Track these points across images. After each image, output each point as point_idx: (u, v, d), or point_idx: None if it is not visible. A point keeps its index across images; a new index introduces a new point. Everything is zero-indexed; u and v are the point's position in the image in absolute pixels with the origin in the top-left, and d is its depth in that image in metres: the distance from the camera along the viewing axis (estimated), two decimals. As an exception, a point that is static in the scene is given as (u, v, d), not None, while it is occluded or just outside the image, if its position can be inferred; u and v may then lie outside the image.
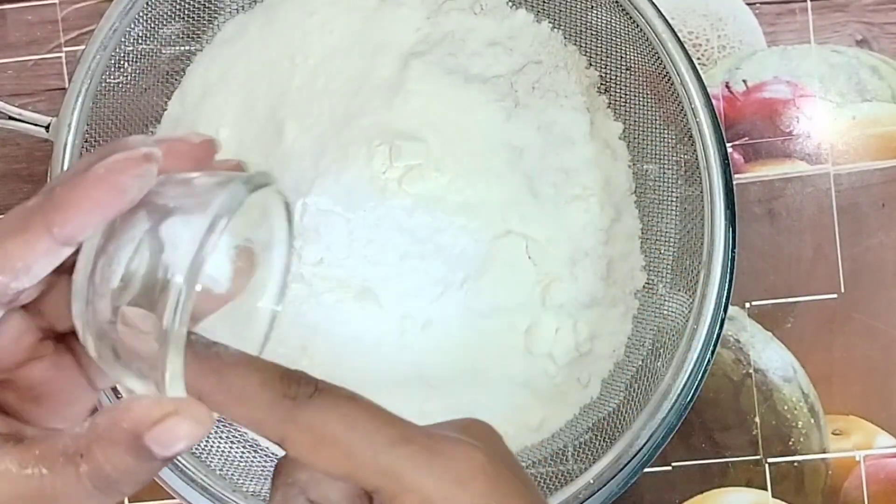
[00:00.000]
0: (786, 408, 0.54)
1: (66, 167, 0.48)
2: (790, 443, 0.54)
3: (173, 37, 0.53)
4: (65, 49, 0.57)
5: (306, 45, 0.52)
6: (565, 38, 0.52)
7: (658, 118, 0.51)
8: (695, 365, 0.46)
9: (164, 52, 0.53)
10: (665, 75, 0.49)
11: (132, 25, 0.50)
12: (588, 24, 0.52)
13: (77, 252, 0.26)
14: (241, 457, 0.51)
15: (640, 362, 0.50)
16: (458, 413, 0.50)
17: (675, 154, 0.50)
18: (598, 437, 0.50)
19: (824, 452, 0.55)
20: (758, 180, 0.55)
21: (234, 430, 0.52)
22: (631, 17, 0.49)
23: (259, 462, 0.51)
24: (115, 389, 0.43)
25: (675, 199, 0.51)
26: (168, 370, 0.24)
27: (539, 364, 0.50)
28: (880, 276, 0.55)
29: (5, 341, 0.27)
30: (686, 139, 0.49)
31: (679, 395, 0.46)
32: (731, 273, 0.47)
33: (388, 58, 0.52)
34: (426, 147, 0.49)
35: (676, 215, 0.50)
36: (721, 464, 0.55)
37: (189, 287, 0.24)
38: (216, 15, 0.53)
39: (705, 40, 0.56)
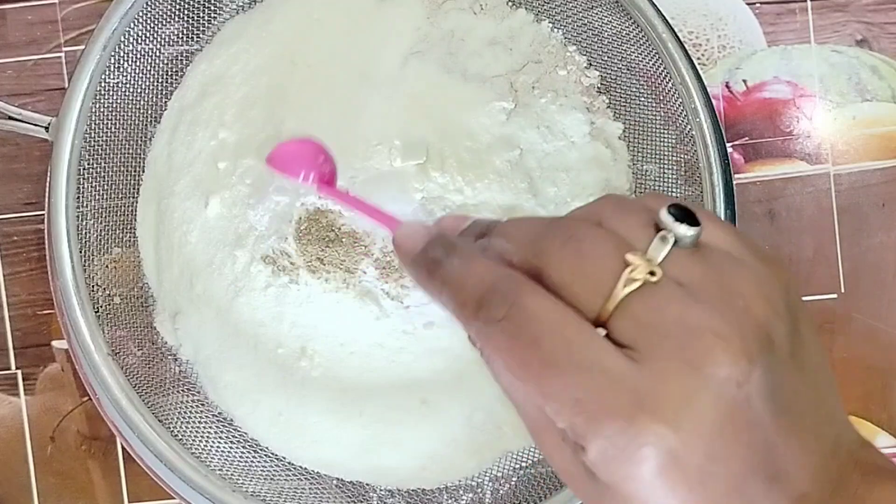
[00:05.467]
0: (786, 408, 0.54)
1: (66, 167, 0.48)
2: (790, 443, 0.54)
3: (173, 37, 0.53)
4: (65, 49, 0.57)
5: (305, 44, 0.52)
6: (565, 37, 0.52)
7: (658, 118, 0.51)
8: (695, 365, 0.46)
9: (163, 52, 0.53)
10: (665, 75, 0.49)
11: (132, 25, 0.50)
12: (588, 24, 0.52)
13: None
14: (241, 457, 0.51)
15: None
16: (458, 413, 0.50)
17: (675, 154, 0.50)
18: (598, 437, 0.50)
19: (824, 452, 0.55)
20: (758, 180, 0.55)
21: (234, 430, 0.52)
22: (631, 17, 0.49)
23: (259, 462, 0.51)
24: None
25: (675, 199, 0.51)
26: None
27: (539, 364, 0.50)
28: (880, 276, 0.55)
29: None
30: (686, 139, 0.49)
31: (679, 395, 0.46)
32: (731, 273, 0.47)
33: (387, 57, 0.52)
34: (426, 147, 0.49)
35: (676, 215, 0.50)
36: (721, 464, 0.55)
37: None
38: (216, 15, 0.53)
39: (705, 40, 0.56)
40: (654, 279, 0.27)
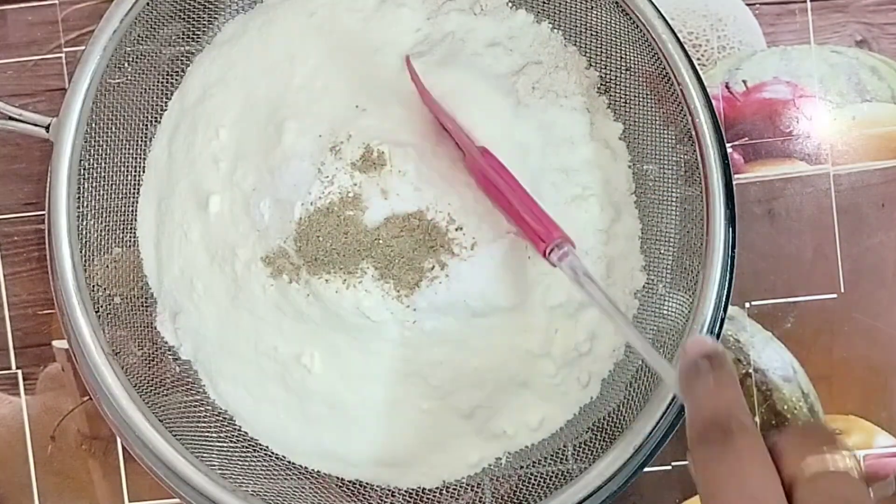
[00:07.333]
0: (786, 408, 0.54)
1: (66, 167, 0.49)
2: (790, 443, 0.54)
3: (173, 37, 0.53)
4: (65, 49, 0.57)
5: (306, 45, 0.52)
6: (565, 38, 0.53)
7: (658, 118, 0.51)
8: (695, 365, 0.46)
9: (164, 52, 0.53)
10: (665, 75, 0.49)
11: (132, 26, 0.50)
12: (588, 24, 0.52)
13: None
14: (241, 457, 0.51)
15: (640, 362, 0.50)
16: (458, 413, 0.50)
17: (675, 154, 0.50)
18: (598, 437, 0.50)
19: (824, 452, 0.54)
20: (758, 180, 0.55)
21: (235, 429, 0.52)
22: (631, 18, 0.49)
23: (259, 462, 0.51)
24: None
25: (675, 199, 0.51)
26: None
27: (539, 364, 0.50)
28: (880, 276, 0.55)
29: None
30: (686, 139, 0.49)
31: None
32: (731, 273, 0.47)
33: (388, 58, 0.52)
34: (426, 146, 0.49)
35: (676, 215, 0.51)
36: (721, 464, 0.55)
37: None
38: (216, 15, 0.53)
39: (705, 40, 0.56)
40: None
